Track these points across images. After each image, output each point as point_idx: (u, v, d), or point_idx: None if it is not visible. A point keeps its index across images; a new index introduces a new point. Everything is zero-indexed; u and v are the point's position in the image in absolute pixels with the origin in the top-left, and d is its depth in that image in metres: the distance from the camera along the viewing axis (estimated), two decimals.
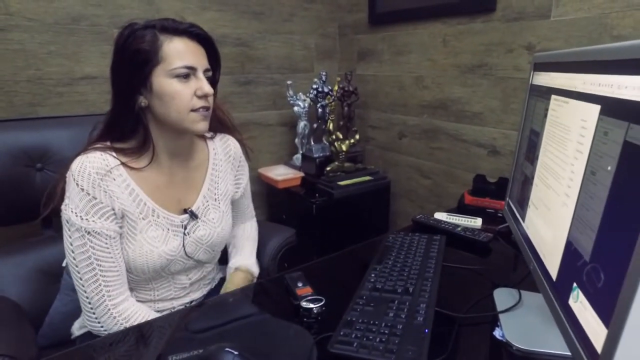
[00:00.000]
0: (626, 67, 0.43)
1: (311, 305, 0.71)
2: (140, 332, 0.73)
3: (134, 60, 0.76)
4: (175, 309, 0.93)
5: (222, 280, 1.06)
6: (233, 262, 1.02)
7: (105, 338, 0.74)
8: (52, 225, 1.23)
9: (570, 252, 0.53)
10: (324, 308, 0.71)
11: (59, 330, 0.98)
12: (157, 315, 0.85)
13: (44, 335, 0.98)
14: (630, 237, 0.38)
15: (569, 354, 0.53)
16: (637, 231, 0.36)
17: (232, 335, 0.66)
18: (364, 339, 0.61)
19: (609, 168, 0.44)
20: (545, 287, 0.60)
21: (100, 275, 0.78)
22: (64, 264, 1.01)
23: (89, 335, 0.89)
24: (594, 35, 1.11)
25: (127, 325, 0.79)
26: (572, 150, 0.56)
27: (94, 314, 0.80)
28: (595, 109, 0.50)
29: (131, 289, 0.87)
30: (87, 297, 0.79)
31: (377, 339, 0.61)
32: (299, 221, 1.69)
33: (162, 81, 0.76)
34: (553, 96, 0.68)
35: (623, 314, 0.37)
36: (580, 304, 0.48)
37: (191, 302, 0.96)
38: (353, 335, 0.62)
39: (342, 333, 0.63)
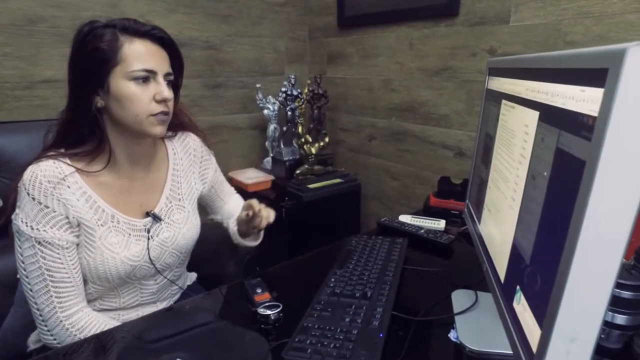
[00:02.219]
0: (556, 76, 0.45)
1: (268, 312, 0.70)
2: (96, 343, 0.71)
3: (91, 59, 0.73)
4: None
5: (189, 288, 1.04)
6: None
7: (59, 350, 0.72)
8: (8, 234, 1.18)
9: (515, 255, 0.54)
10: (281, 314, 0.71)
11: (12, 345, 0.94)
12: (116, 324, 0.82)
13: None
14: (560, 242, 0.39)
15: None
16: (565, 237, 0.37)
17: (186, 344, 0.65)
18: (319, 345, 0.61)
19: (545, 173, 0.46)
20: (495, 289, 0.61)
21: (52, 287, 0.76)
22: (18, 276, 0.97)
23: (46, 349, 0.86)
24: (549, 41, 1.15)
25: (82, 336, 0.76)
26: (517, 155, 0.57)
27: (45, 326, 0.77)
28: (535, 115, 0.51)
29: (95, 299, 0.85)
30: (38, 309, 0.76)
31: (332, 345, 0.61)
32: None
33: (120, 83, 0.74)
34: (503, 101, 0.69)
35: (553, 315, 0.38)
36: (521, 306, 0.49)
37: None
38: (308, 342, 0.62)
39: (297, 340, 0.63)
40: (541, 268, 0.44)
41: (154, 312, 0.84)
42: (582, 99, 0.38)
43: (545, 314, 0.41)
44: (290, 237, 1.65)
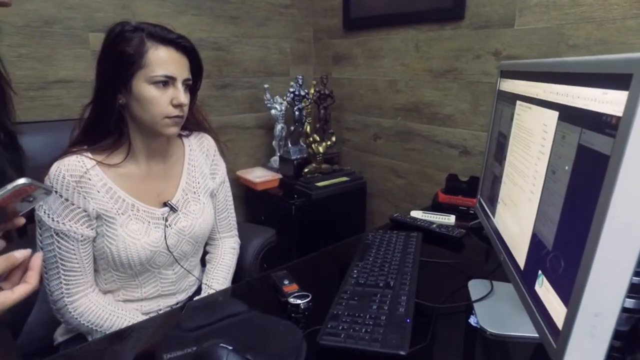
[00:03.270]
0: (578, 80, 0.49)
1: (298, 301, 0.74)
2: (128, 335, 0.75)
3: (117, 61, 0.79)
4: (162, 310, 0.94)
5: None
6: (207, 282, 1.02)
7: (92, 343, 0.76)
8: (27, 233, 1.20)
9: (535, 243, 0.59)
10: (310, 304, 0.75)
11: (39, 338, 0.97)
12: (117, 307, 0.88)
13: (22, 345, 0.97)
14: (584, 228, 0.43)
15: (535, 335, 0.58)
16: (590, 223, 0.42)
17: (223, 333, 0.68)
18: (351, 330, 0.65)
19: (567, 168, 0.50)
20: (514, 276, 0.65)
21: (62, 274, 0.83)
22: None
23: (73, 341, 0.90)
24: (552, 44, 1.20)
25: (81, 319, 0.84)
26: (536, 152, 0.62)
27: (54, 305, 0.86)
28: (554, 115, 0.56)
29: (118, 289, 0.90)
30: (50, 291, 0.85)
31: (363, 330, 0.65)
32: (278, 222, 1.72)
33: (142, 85, 0.80)
34: (518, 102, 0.74)
35: (579, 293, 0.43)
36: (544, 289, 0.54)
37: (177, 303, 0.97)
38: (340, 327, 0.66)
39: (329, 326, 0.67)
40: (565, 253, 0.49)
41: (188, 304, 0.87)
42: (605, 101, 0.43)
43: (570, 293, 0.45)
44: (299, 234, 1.69)
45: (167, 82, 0.81)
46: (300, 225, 1.68)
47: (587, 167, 0.45)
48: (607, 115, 0.42)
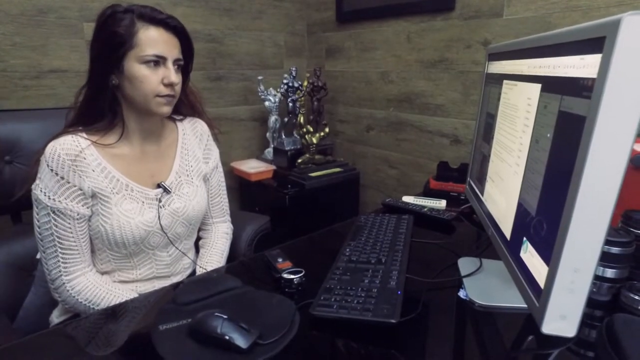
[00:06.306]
0: (558, 50, 0.52)
1: (292, 276, 0.76)
2: (123, 311, 0.76)
3: (109, 42, 0.80)
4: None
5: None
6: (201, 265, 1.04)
7: (86, 318, 0.76)
8: (22, 219, 1.21)
9: (521, 212, 0.61)
10: (304, 279, 0.76)
11: (34, 322, 0.98)
12: (114, 287, 0.89)
13: (18, 328, 0.98)
14: (563, 189, 0.45)
15: (522, 305, 0.60)
16: (569, 181, 0.44)
17: (218, 306, 0.70)
18: (343, 301, 0.67)
19: (548, 135, 0.52)
20: (501, 247, 0.68)
21: (60, 252, 0.84)
22: (38, 256, 1.01)
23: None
24: (540, 33, 1.23)
25: (79, 298, 0.85)
26: (521, 125, 0.64)
27: (52, 284, 0.86)
28: (537, 87, 0.58)
29: (113, 270, 0.91)
30: (48, 270, 0.86)
31: (355, 301, 0.67)
32: (272, 212, 1.73)
33: (133, 65, 0.81)
34: (505, 81, 0.76)
35: (559, 251, 0.45)
36: (529, 254, 0.56)
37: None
38: (333, 299, 0.68)
39: (322, 298, 0.68)
40: (547, 216, 0.51)
41: (184, 280, 0.88)
42: (582, 66, 0.45)
43: (551, 252, 0.47)
44: (292, 224, 1.70)
45: (157, 61, 0.82)
46: (294, 215, 1.69)
47: (566, 130, 0.48)
48: (584, 79, 0.44)
